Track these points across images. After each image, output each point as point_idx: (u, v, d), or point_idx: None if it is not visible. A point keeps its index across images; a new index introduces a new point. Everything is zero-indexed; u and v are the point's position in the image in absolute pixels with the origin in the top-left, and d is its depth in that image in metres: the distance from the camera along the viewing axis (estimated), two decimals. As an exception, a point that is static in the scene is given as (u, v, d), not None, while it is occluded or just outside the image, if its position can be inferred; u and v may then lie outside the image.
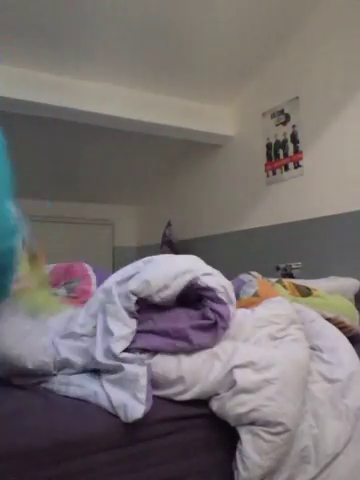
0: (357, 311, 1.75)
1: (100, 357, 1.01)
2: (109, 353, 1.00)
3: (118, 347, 1.00)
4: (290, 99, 3.00)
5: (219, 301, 1.07)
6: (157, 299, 1.07)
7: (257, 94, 3.35)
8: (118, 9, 2.50)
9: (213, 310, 1.06)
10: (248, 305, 1.36)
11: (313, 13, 2.77)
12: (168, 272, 1.08)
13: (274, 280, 1.80)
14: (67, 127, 3.32)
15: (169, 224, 4.26)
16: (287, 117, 3.04)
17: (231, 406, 0.99)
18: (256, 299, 1.42)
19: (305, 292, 1.68)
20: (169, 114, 3.31)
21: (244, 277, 1.71)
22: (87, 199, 4.83)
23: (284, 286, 1.67)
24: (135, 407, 0.91)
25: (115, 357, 0.99)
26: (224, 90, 3.42)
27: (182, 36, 2.79)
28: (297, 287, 1.70)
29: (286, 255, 2.83)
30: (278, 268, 2.66)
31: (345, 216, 2.59)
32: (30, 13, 2.42)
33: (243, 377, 1.00)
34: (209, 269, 1.14)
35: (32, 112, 2.95)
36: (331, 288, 1.98)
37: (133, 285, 1.06)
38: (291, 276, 2.53)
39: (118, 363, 0.99)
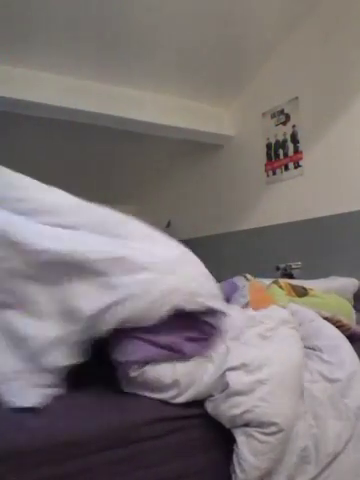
0: (354, 310, 1.75)
1: None
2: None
3: None
4: (290, 99, 3.00)
5: (214, 314, 1.06)
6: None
7: (257, 94, 3.35)
8: (117, 9, 2.49)
9: (207, 323, 1.06)
10: None
11: (313, 12, 2.77)
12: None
13: (269, 281, 1.79)
14: (67, 127, 3.32)
15: (169, 224, 4.26)
16: (287, 117, 3.04)
17: (225, 408, 0.99)
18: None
19: (301, 292, 1.68)
20: (169, 114, 3.31)
21: (237, 280, 1.70)
22: (87, 199, 4.82)
23: (280, 286, 1.67)
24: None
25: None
26: (224, 90, 3.42)
27: (182, 36, 2.79)
28: (293, 287, 1.70)
29: (286, 255, 2.83)
30: (278, 268, 2.66)
31: (345, 216, 2.59)
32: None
33: (236, 379, 1.00)
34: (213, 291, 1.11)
35: (32, 112, 2.95)
36: (330, 288, 1.98)
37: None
38: (291, 276, 2.53)
39: None
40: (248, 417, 0.97)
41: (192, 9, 2.58)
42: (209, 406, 1.02)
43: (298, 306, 1.40)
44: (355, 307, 1.91)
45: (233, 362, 1.02)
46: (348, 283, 2.15)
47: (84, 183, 4.39)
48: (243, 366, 1.01)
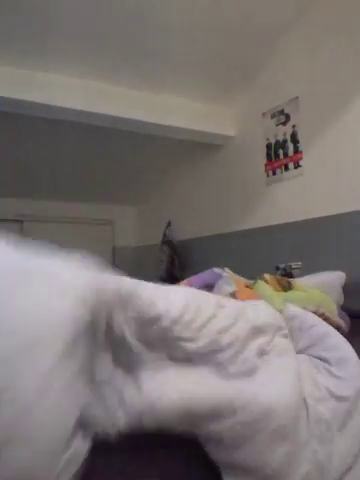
0: (335, 305, 1.72)
1: None
2: None
3: None
4: (290, 99, 3.00)
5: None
6: None
7: (257, 94, 3.35)
8: (117, 9, 2.50)
9: None
10: None
11: (313, 12, 2.77)
12: None
13: (252, 281, 1.76)
14: (67, 127, 3.32)
15: (169, 224, 4.26)
16: (287, 117, 3.04)
17: (214, 453, 0.94)
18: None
19: (286, 286, 1.63)
20: (169, 114, 3.31)
21: (218, 270, 1.68)
22: (87, 199, 4.83)
23: (266, 281, 1.62)
24: None
25: None
26: (224, 90, 3.42)
27: (182, 36, 2.79)
28: (278, 281, 1.65)
29: (286, 255, 2.83)
30: (278, 268, 2.66)
31: (345, 216, 2.59)
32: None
33: (229, 434, 0.93)
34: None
35: (33, 112, 2.95)
36: (318, 283, 1.97)
37: None
38: (291, 276, 2.53)
39: None
40: (237, 465, 0.93)
41: (193, 10, 2.58)
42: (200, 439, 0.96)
43: (297, 309, 1.35)
44: (343, 306, 1.89)
45: (230, 419, 0.93)
46: (335, 277, 2.14)
47: (85, 183, 4.40)
48: (240, 423, 0.94)
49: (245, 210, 3.45)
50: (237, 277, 1.74)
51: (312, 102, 2.84)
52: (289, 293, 1.58)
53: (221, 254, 3.62)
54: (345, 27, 2.60)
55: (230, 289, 1.52)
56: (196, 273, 1.73)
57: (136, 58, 2.93)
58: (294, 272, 2.60)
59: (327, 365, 1.18)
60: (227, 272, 1.72)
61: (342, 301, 2.04)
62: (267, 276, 1.65)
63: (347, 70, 2.60)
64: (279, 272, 2.63)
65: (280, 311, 1.31)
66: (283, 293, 1.57)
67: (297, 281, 1.73)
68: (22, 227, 4.64)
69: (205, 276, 1.69)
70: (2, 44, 2.60)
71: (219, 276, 1.62)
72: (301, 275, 2.48)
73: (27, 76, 2.81)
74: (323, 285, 1.91)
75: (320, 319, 1.35)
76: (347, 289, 2.12)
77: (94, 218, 5.03)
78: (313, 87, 2.83)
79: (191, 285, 1.52)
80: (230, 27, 2.76)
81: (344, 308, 1.86)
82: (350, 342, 1.27)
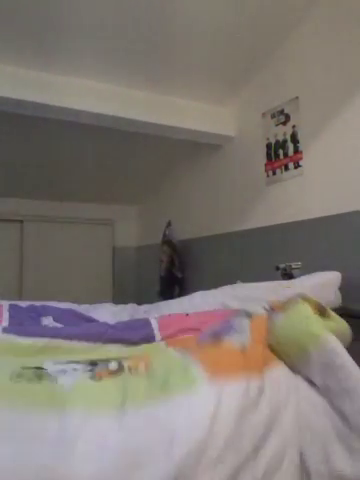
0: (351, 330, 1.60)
1: None
2: None
3: None
4: (290, 99, 3.00)
5: None
6: None
7: (257, 94, 3.35)
8: (115, 6, 2.49)
9: None
10: (225, 369, 1.13)
11: (313, 12, 2.77)
12: None
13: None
14: (67, 127, 3.32)
15: (169, 224, 4.26)
16: (287, 117, 3.04)
17: None
18: (239, 360, 1.19)
19: (321, 312, 1.42)
20: (169, 114, 3.31)
21: (236, 317, 1.44)
22: (87, 199, 4.83)
23: (307, 302, 1.40)
24: None
25: None
26: (224, 90, 3.42)
27: (181, 35, 2.79)
28: (316, 306, 1.42)
29: (286, 255, 2.83)
30: (278, 268, 2.66)
31: (345, 216, 2.59)
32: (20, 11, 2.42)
33: None
34: None
35: (32, 112, 2.95)
36: (315, 285, 1.95)
37: None
38: (291, 276, 2.53)
39: None
40: None
41: (192, 10, 2.58)
42: None
43: (337, 343, 1.21)
44: (342, 307, 1.87)
45: None
46: (331, 277, 2.12)
47: (85, 183, 4.40)
48: None
49: (245, 210, 3.45)
50: (263, 316, 1.49)
51: (312, 102, 2.84)
52: (326, 322, 1.38)
53: (221, 254, 3.62)
54: (346, 27, 2.60)
55: (241, 339, 1.30)
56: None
57: (136, 58, 2.93)
58: (294, 272, 2.60)
59: (348, 432, 1.09)
60: (251, 312, 1.50)
61: (340, 302, 2.03)
62: (309, 298, 1.46)
63: (347, 70, 2.59)
64: (279, 272, 2.63)
65: (317, 336, 1.23)
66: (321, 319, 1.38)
67: (330, 310, 1.49)
68: (22, 227, 4.64)
69: (215, 328, 1.44)
70: (2, 43, 2.60)
71: (231, 328, 1.39)
72: (301, 275, 2.48)
73: (27, 76, 2.81)
74: (319, 285, 1.88)
75: (354, 363, 1.21)
76: (347, 289, 2.12)
77: (94, 218, 5.04)
78: (313, 87, 2.83)
79: (202, 336, 1.36)
80: (230, 27, 2.76)
81: (343, 309, 1.86)
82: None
